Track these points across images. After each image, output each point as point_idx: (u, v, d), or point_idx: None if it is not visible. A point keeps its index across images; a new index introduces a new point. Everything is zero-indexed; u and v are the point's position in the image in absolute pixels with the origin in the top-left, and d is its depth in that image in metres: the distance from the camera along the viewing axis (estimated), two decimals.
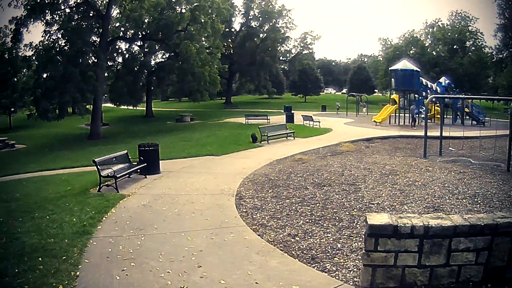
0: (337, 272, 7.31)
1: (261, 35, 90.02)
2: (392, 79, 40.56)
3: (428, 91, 39.00)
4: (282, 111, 55.08)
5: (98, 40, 51.66)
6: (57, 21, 47.43)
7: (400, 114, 39.60)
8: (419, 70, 41.00)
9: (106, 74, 57.89)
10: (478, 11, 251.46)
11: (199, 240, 9.00)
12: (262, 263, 7.71)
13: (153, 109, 73.10)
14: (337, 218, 10.47)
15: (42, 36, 47.22)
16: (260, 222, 10.28)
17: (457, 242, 5.98)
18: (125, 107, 73.50)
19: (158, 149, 17.76)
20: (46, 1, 45.10)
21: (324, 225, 9.98)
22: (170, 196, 13.02)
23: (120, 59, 63.57)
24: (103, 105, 55.62)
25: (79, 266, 7.61)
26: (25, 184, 18.68)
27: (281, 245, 8.73)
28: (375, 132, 30.48)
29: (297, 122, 38.74)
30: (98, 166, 14.26)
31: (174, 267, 7.55)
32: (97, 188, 14.31)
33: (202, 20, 54.97)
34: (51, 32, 47.32)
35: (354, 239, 8.95)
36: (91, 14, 49.96)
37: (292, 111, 46.92)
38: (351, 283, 6.86)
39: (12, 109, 67.70)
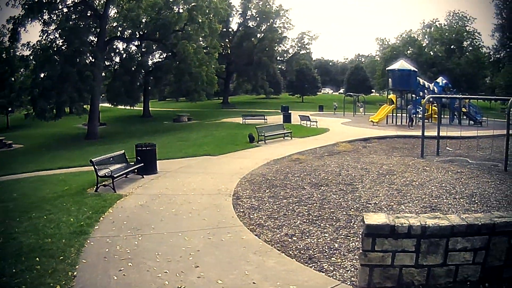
0: (334, 272, 7.31)
1: (258, 35, 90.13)
2: (389, 79, 40.56)
3: (425, 91, 39.06)
4: (279, 111, 54.99)
5: (96, 39, 51.68)
6: (54, 21, 47.48)
7: (397, 114, 39.60)
8: (416, 70, 41.03)
9: (103, 74, 57.83)
10: (475, 11, 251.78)
11: (196, 240, 9.00)
12: (260, 263, 7.71)
13: (150, 109, 73.03)
14: (334, 218, 10.47)
15: (39, 36, 47.33)
16: (257, 222, 10.28)
17: (455, 242, 5.99)
18: (123, 107, 73.40)
19: (155, 149, 17.75)
20: (44, 1, 45.07)
21: (321, 225, 9.98)
22: (167, 196, 13.01)
23: (117, 59, 63.43)
24: (100, 105, 55.52)
25: (77, 266, 7.61)
26: (22, 184, 18.65)
27: (278, 245, 8.73)
28: (372, 132, 30.48)
29: (294, 122, 38.70)
30: (95, 166, 14.24)
31: (171, 267, 7.55)
32: (94, 188, 14.30)
33: (200, 20, 54.99)
34: (49, 31, 47.41)
35: (351, 239, 8.95)
36: (88, 14, 49.92)
37: (289, 111, 46.83)
38: (349, 283, 6.86)
39: (10, 109, 67.62)
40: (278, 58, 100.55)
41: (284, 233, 9.43)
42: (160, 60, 68.14)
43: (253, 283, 6.91)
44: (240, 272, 7.32)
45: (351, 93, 65.34)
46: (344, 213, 10.86)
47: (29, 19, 45.82)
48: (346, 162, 18.56)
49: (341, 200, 12.18)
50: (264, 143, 25.77)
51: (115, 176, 14.42)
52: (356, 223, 9.93)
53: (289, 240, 9.03)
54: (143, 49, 65.48)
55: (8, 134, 54.55)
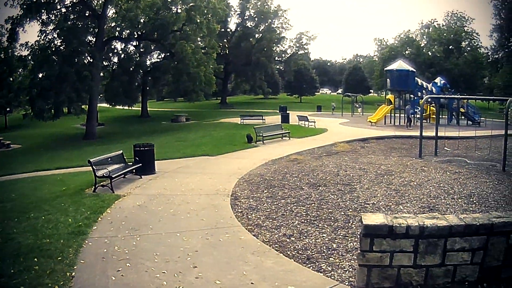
0: (332, 272, 7.32)
1: (256, 35, 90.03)
2: (388, 80, 40.54)
3: (424, 91, 39.07)
4: (278, 111, 54.89)
5: (94, 40, 51.58)
6: (53, 21, 47.45)
7: (396, 115, 39.61)
8: (414, 70, 41.02)
9: (101, 74, 57.78)
10: (474, 11, 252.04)
11: (195, 240, 9.00)
12: (258, 263, 7.71)
13: (148, 109, 72.95)
14: (332, 218, 10.48)
15: (38, 36, 47.48)
16: (256, 223, 10.28)
17: (453, 242, 5.99)
18: (121, 107, 73.21)
19: (154, 149, 17.74)
20: (42, 1, 45.12)
21: (320, 225, 9.98)
22: (165, 197, 13.00)
23: (115, 59, 63.36)
24: (98, 105, 55.45)
25: (75, 267, 7.61)
26: (21, 184, 18.65)
27: (276, 245, 8.73)
28: (371, 132, 30.49)
29: (293, 122, 38.68)
30: (94, 166, 14.22)
31: (169, 267, 7.55)
32: (93, 188, 14.29)
33: (198, 20, 54.95)
34: (47, 31, 47.42)
35: (349, 239, 8.96)
36: (87, 14, 49.89)
37: (288, 111, 46.73)
38: (347, 283, 6.87)
39: (8, 109, 67.56)
40: (276, 58, 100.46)
41: (282, 234, 9.44)
42: (158, 60, 68.08)
43: (251, 283, 6.91)
44: (238, 273, 7.32)
45: (349, 94, 65.33)
46: (342, 213, 10.87)
47: (28, 19, 45.81)
48: (344, 163, 18.58)
49: (339, 200, 12.19)
50: (262, 143, 25.76)
51: (113, 176, 14.41)
52: (354, 223, 9.94)
53: (287, 240, 9.03)
54: (141, 49, 65.46)
55: (6, 134, 54.48)
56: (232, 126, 41.18)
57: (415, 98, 39.02)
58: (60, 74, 44.20)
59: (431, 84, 41.30)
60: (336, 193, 13.09)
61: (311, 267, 7.60)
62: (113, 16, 57.06)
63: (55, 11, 47.34)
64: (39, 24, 46.85)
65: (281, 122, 36.07)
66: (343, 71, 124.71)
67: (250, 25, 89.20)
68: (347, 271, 7.32)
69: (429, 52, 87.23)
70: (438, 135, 22.16)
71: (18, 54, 54.01)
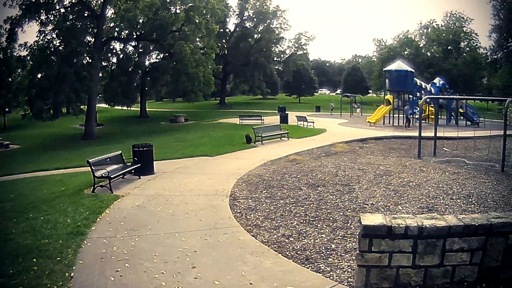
0: (331, 273, 7.32)
1: (255, 36, 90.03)
2: (386, 80, 40.59)
3: (422, 91, 39.08)
4: (276, 111, 55.06)
5: (93, 40, 51.63)
6: (51, 21, 47.44)
7: (394, 115, 39.63)
8: (413, 70, 41.05)
9: (100, 74, 57.90)
10: (473, 12, 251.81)
11: (193, 240, 8.99)
12: (256, 264, 7.71)
13: (147, 109, 73.01)
14: (331, 218, 10.48)
15: (36, 36, 47.39)
16: (254, 223, 10.28)
17: (451, 243, 5.98)
18: (119, 107, 73.36)
19: (152, 150, 17.71)
20: (41, 1, 45.14)
21: (318, 225, 9.98)
22: (164, 197, 12.99)
23: (114, 59, 63.52)
24: (97, 105, 55.58)
25: (73, 267, 7.60)
26: (20, 185, 18.64)
27: (275, 245, 8.73)
28: (369, 133, 30.49)
29: (291, 122, 38.70)
30: (92, 167, 14.21)
31: (168, 268, 7.54)
32: (91, 189, 14.27)
33: (197, 21, 54.98)
34: (46, 32, 47.41)
35: (348, 239, 8.96)
36: (85, 14, 49.91)
37: (286, 112, 46.87)
38: (346, 284, 6.87)
39: (7, 109, 67.68)
40: (275, 58, 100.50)
41: (281, 234, 9.43)
42: (157, 60, 68.22)
43: (250, 283, 6.91)
44: (237, 273, 7.31)
45: (348, 94, 65.46)
46: (341, 213, 10.87)
47: (26, 20, 45.84)
48: (343, 163, 18.57)
49: (338, 200, 12.18)
50: (261, 144, 25.75)
51: (112, 176, 14.39)
52: (353, 223, 9.94)
53: (286, 240, 9.02)
54: (140, 50, 65.59)
55: (5, 134, 54.56)
56: (231, 126, 41.17)
57: (414, 98, 39.05)
58: (59, 74, 44.22)
59: (430, 85, 41.30)
60: (335, 193, 13.08)
61: (310, 268, 7.59)
62: (112, 16, 57.16)
63: (54, 12, 47.36)
64: (38, 25, 46.93)
65: (280, 123, 36.04)
66: (342, 71, 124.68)
67: (249, 26, 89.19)
68: (346, 272, 7.32)
69: (428, 53, 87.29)
70: (437, 135, 22.15)
71: (17, 55, 54.08)
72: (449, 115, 39.35)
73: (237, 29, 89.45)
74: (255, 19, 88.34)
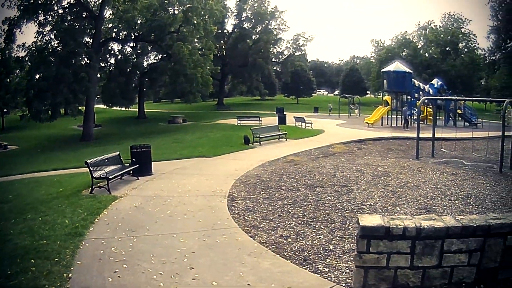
0: (329, 274, 7.32)
1: (253, 37, 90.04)
2: (385, 81, 40.63)
3: (421, 92, 39.14)
4: (274, 112, 55.00)
5: (91, 41, 51.54)
6: (50, 22, 47.38)
7: (393, 116, 39.69)
8: (411, 71, 41.15)
9: (98, 75, 57.71)
10: (471, 13, 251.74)
11: (191, 241, 8.98)
12: (254, 265, 7.70)
13: (145, 110, 73.04)
14: (329, 219, 10.48)
15: (35, 37, 47.26)
16: (252, 224, 10.27)
17: (450, 244, 5.98)
18: (118, 108, 73.31)
19: (150, 151, 17.68)
20: (39, 2, 45.02)
21: (316, 226, 9.98)
22: (162, 198, 12.98)
23: (112, 60, 63.51)
24: (95, 106, 55.43)
25: (71, 268, 7.59)
26: (18, 185, 18.61)
27: (273, 246, 8.72)
28: (367, 134, 30.52)
29: (289, 123, 38.72)
30: (90, 168, 14.18)
31: (166, 268, 7.53)
32: (89, 190, 14.24)
33: (195, 22, 54.98)
34: (44, 32, 47.29)
35: (346, 240, 8.96)
36: (84, 15, 49.85)
37: (284, 113, 46.82)
38: (344, 285, 6.87)
39: (5, 110, 67.65)
40: (273, 59, 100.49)
41: (279, 235, 9.43)
42: (155, 61, 68.20)
43: (248, 284, 6.91)
44: (235, 274, 7.31)
45: (346, 95, 65.47)
46: (339, 214, 10.87)
47: (25, 20, 45.78)
48: (341, 164, 18.58)
49: (336, 201, 12.19)
50: (259, 145, 25.75)
51: (110, 177, 14.38)
52: (351, 224, 9.94)
53: (284, 241, 9.02)
54: (138, 51, 65.56)
55: (4, 135, 54.58)
56: (229, 127, 41.19)
57: (412, 99, 39.07)
58: (57, 75, 44.16)
59: (428, 86, 41.42)
60: (333, 194, 13.09)
61: (308, 269, 7.59)
62: (110, 17, 57.16)
63: (52, 12, 47.27)
64: (36, 25, 46.89)
65: (278, 124, 36.02)
66: (340, 72, 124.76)
67: (247, 27, 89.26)
68: (344, 273, 7.31)
69: (426, 54, 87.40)
70: (435, 136, 22.17)
71: (15, 55, 53.79)
72: (447, 116, 39.42)
73: (235, 30, 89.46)
74: (253, 20, 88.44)
